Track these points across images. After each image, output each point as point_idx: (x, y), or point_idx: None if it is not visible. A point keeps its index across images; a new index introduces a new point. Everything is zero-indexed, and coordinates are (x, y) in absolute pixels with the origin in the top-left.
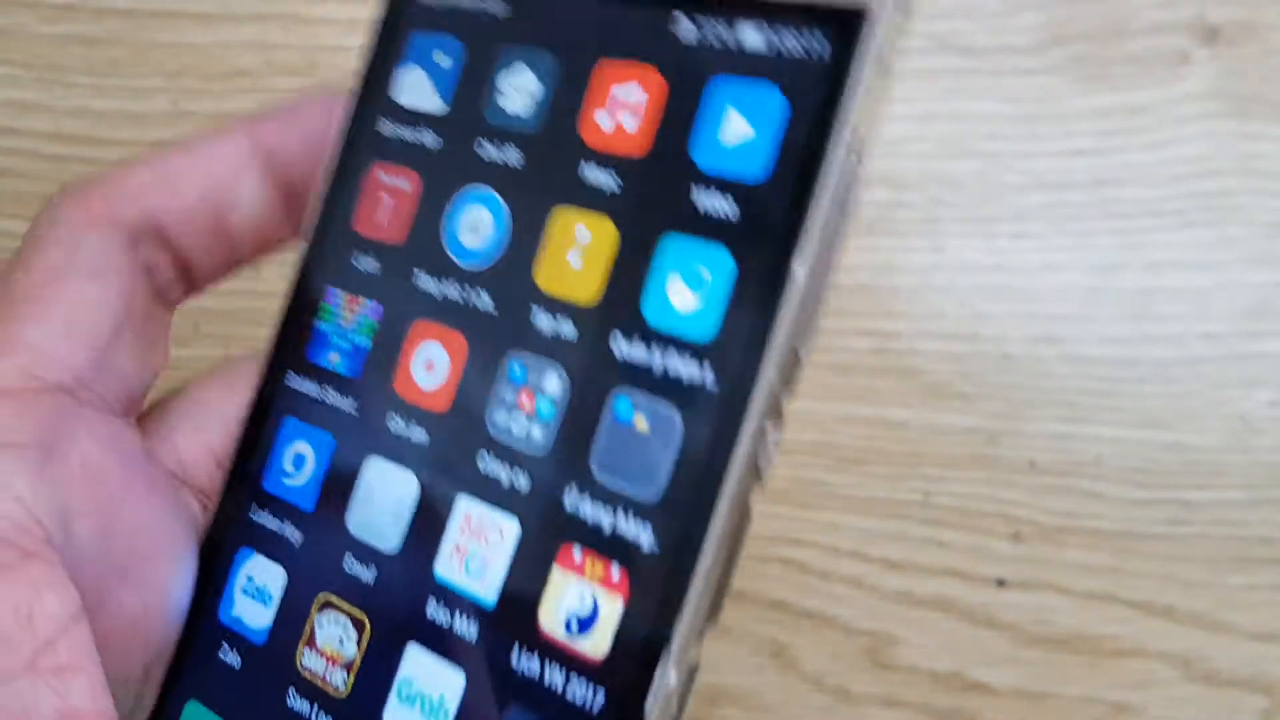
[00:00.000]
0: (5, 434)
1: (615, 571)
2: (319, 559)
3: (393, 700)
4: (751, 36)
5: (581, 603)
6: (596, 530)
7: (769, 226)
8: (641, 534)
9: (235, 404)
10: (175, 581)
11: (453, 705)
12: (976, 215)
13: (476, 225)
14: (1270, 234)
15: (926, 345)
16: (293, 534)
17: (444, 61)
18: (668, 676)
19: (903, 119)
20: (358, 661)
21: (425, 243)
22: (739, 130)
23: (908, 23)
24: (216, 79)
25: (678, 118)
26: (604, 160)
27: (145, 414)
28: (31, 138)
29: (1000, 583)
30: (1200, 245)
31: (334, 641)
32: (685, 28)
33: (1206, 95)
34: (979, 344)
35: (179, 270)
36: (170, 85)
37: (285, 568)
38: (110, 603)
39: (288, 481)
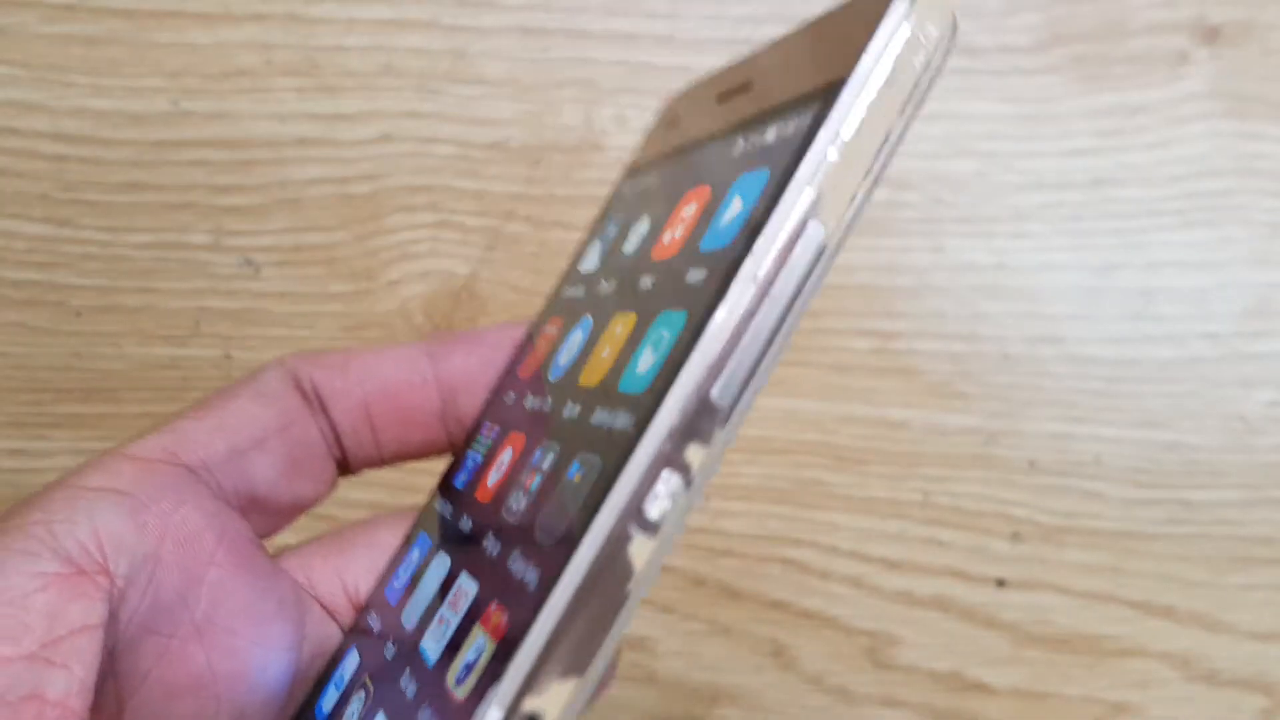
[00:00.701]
0: (117, 483)
1: (503, 617)
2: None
3: None
4: (773, 131)
5: (474, 651)
6: (507, 579)
7: (715, 284)
8: (526, 576)
9: (376, 543)
10: (254, 656)
11: None
12: (976, 215)
13: (571, 347)
14: (1270, 234)
15: (926, 345)
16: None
17: (610, 229)
18: (487, 715)
19: None
20: None
21: (536, 372)
22: (733, 209)
23: (902, 94)
24: (216, 79)
25: (705, 217)
26: (651, 268)
27: (316, 545)
28: (31, 138)
29: (1000, 583)
30: (1200, 245)
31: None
32: (737, 145)
33: (1206, 95)
34: (979, 344)
35: (334, 437)
36: (170, 85)
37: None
38: (179, 651)
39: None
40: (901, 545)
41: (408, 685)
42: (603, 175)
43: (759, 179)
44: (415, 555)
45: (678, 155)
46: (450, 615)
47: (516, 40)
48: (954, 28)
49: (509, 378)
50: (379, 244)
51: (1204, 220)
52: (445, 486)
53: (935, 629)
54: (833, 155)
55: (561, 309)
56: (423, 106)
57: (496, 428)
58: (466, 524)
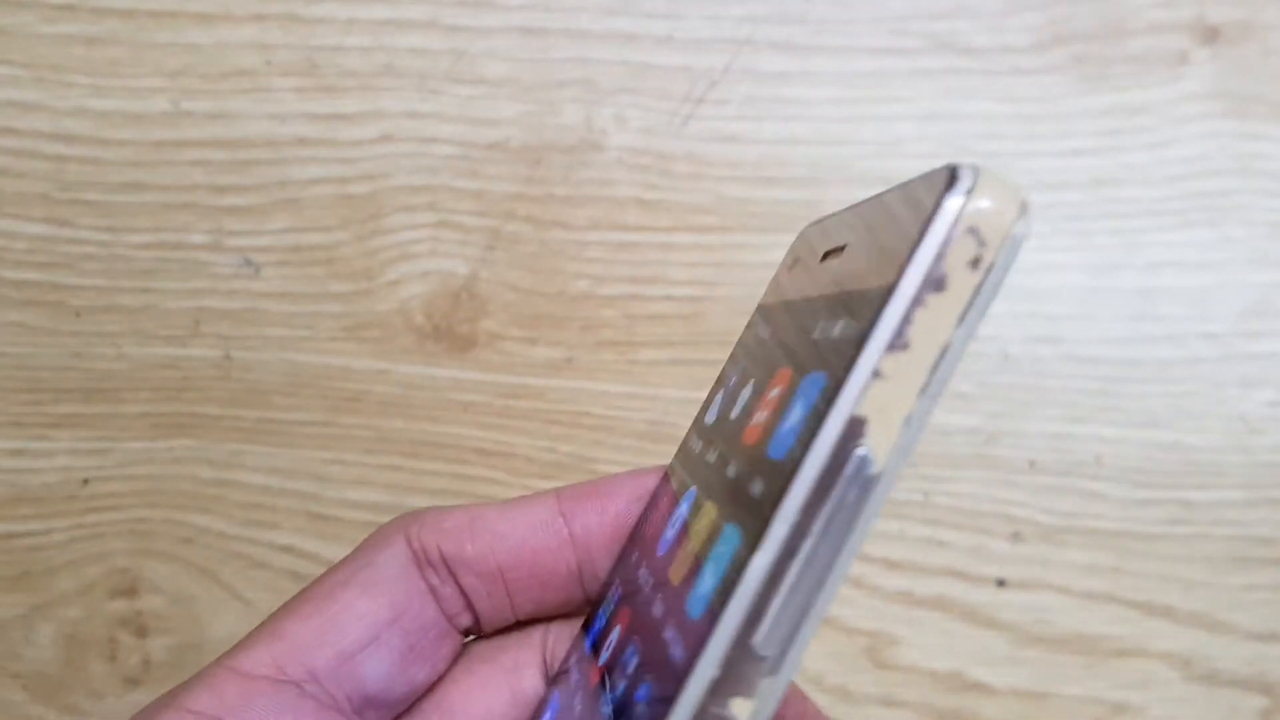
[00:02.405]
0: (221, 708)
1: None
2: None
3: None
4: (840, 326)
5: None
6: None
7: (761, 515)
8: None
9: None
10: None
11: None
12: None
13: (675, 524)
14: (1270, 234)
15: None
16: None
17: (732, 378)
18: None
19: (903, 119)
20: None
21: (651, 542)
22: (793, 418)
23: (960, 300)
24: (216, 79)
25: (779, 411)
26: (738, 452)
27: (406, 712)
28: (31, 138)
29: (1000, 583)
30: (1200, 245)
31: None
32: (819, 325)
33: (1206, 95)
34: (979, 344)
35: (465, 605)
36: (170, 85)
37: None
38: None
39: None
40: (901, 545)
41: None
42: (603, 175)
43: (817, 385)
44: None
45: (786, 310)
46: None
47: (516, 40)
48: (1024, 213)
49: (637, 536)
50: (379, 244)
51: (1204, 220)
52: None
53: (935, 629)
54: (880, 373)
55: (683, 464)
56: (423, 106)
57: (617, 594)
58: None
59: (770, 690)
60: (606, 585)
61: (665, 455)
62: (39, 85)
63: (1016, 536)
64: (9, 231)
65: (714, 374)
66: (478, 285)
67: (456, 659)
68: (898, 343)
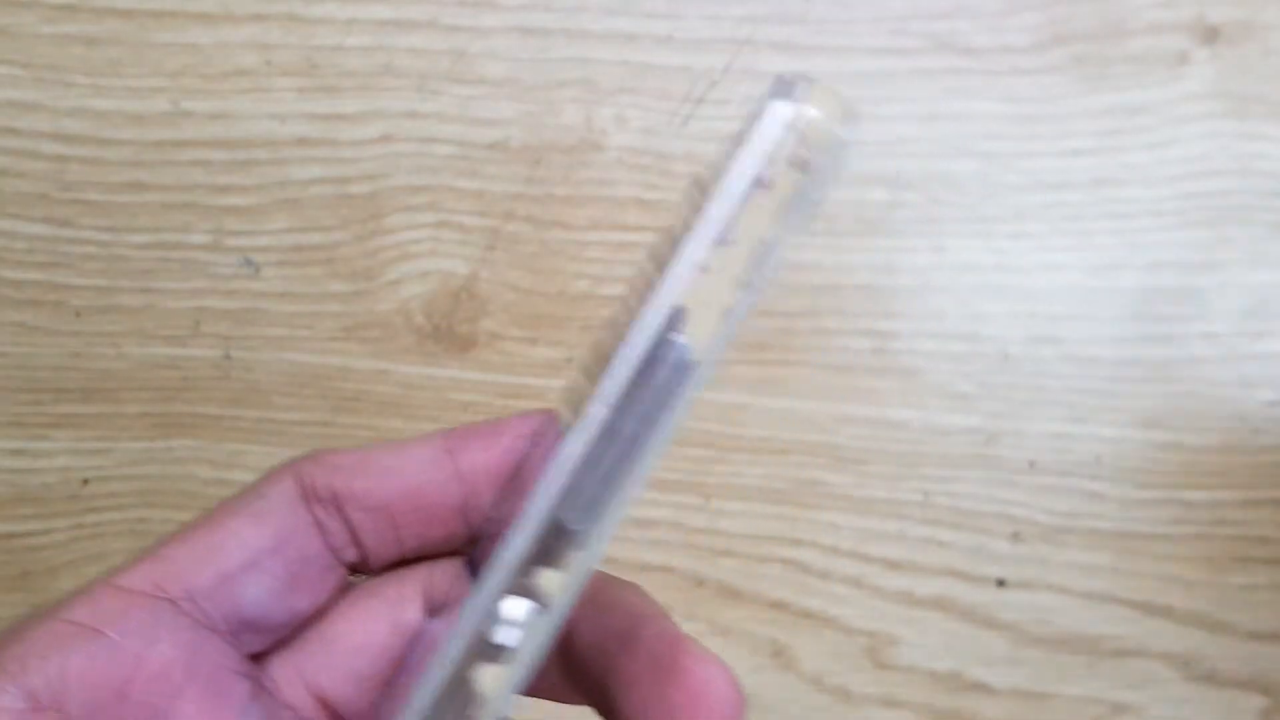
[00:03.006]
0: (96, 619)
1: None
2: None
3: None
4: (675, 231)
5: None
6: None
7: (580, 402)
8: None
9: (352, 643)
10: None
11: None
12: (976, 215)
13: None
14: (1270, 234)
15: (926, 345)
16: None
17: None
18: None
19: (903, 119)
20: None
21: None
22: (630, 309)
23: (780, 198)
24: (216, 79)
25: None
26: (588, 359)
27: (288, 639)
28: (31, 138)
29: (1000, 583)
30: (1200, 245)
31: None
32: (665, 243)
33: (1206, 95)
34: (979, 344)
35: (351, 539)
36: (170, 85)
37: None
38: None
39: None
40: (901, 545)
41: None
42: (603, 175)
43: (652, 280)
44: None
45: (664, 238)
46: None
47: (516, 40)
48: (848, 120)
49: (523, 473)
50: (379, 244)
51: (1204, 220)
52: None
53: (935, 629)
54: (699, 265)
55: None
56: (423, 106)
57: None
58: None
59: (579, 564)
60: (492, 521)
61: (666, 455)
62: (39, 85)
63: (1016, 536)
64: (9, 231)
65: (713, 374)
66: (478, 285)
67: (341, 592)
68: (721, 237)
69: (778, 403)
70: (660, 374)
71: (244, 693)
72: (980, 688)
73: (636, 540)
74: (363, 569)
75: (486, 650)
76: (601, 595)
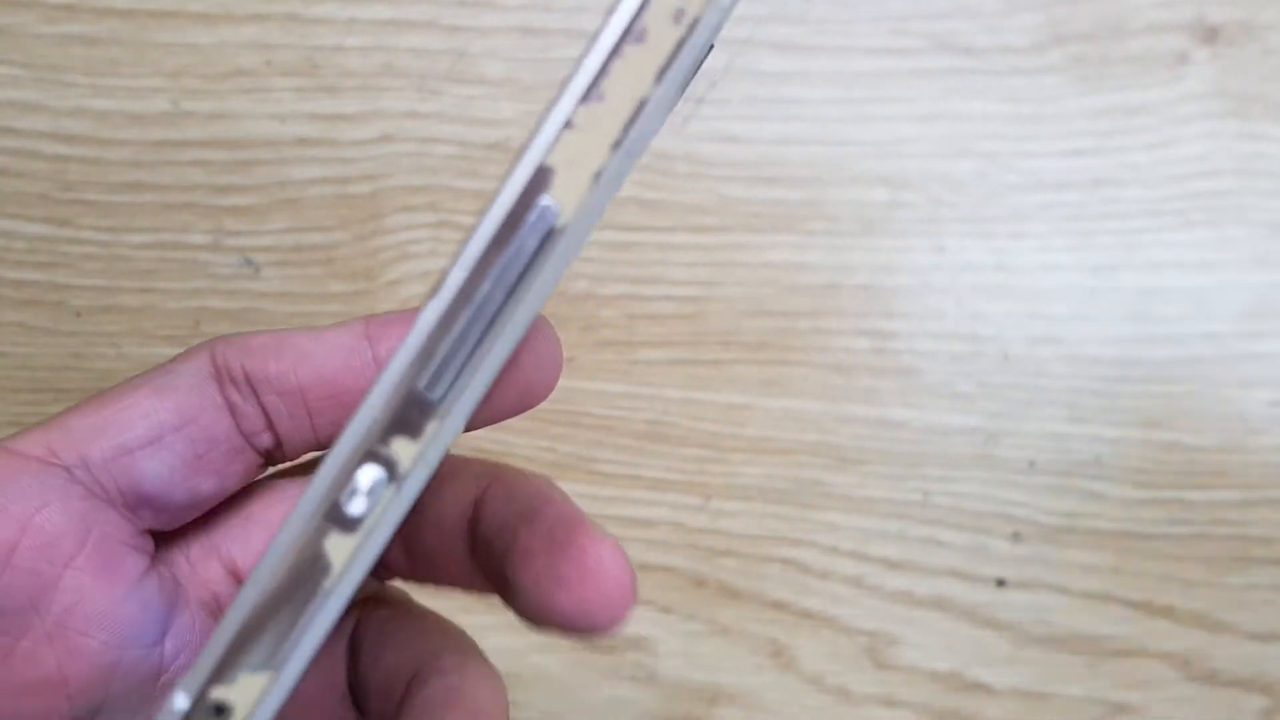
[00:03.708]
0: None
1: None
2: None
3: None
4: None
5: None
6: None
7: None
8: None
9: (252, 515)
10: (109, 657)
11: None
12: (976, 215)
13: None
14: (1270, 234)
15: (926, 345)
16: None
17: None
18: (175, 701)
19: (902, 119)
20: None
21: None
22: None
23: (658, 56)
24: (216, 79)
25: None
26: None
27: (201, 520)
28: (31, 138)
29: (1000, 583)
30: (1200, 245)
31: None
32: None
33: (1206, 95)
34: (979, 344)
35: (265, 424)
36: (170, 85)
37: None
38: (26, 652)
39: None
40: (901, 545)
41: None
42: None
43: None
44: None
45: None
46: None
47: (516, 40)
48: None
49: None
50: (379, 244)
51: (1204, 220)
52: None
53: (935, 629)
54: (566, 121)
55: None
56: (423, 106)
57: None
58: None
59: (437, 435)
60: None
61: (666, 455)
62: (39, 85)
63: (1016, 536)
64: (9, 231)
65: (714, 374)
66: None
67: (252, 477)
68: (592, 93)
69: (778, 403)
70: (524, 237)
71: (138, 566)
72: (980, 688)
73: (636, 540)
74: (278, 456)
75: (338, 519)
76: (511, 482)
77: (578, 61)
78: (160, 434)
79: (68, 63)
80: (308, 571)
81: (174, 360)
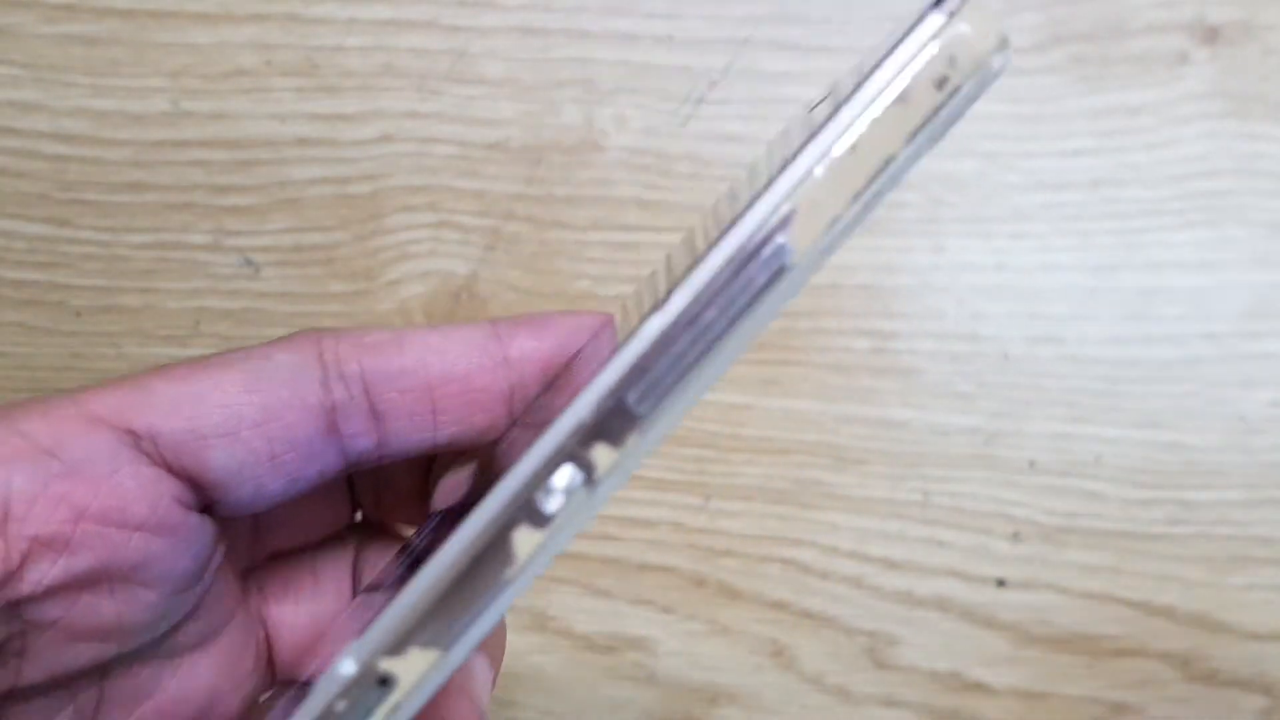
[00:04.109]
0: (52, 440)
1: (402, 579)
2: None
3: None
4: (799, 133)
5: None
6: (428, 544)
7: (671, 284)
8: (427, 545)
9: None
10: (162, 608)
11: None
12: (976, 215)
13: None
14: (1270, 234)
15: (926, 345)
16: None
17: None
18: (341, 666)
19: None
20: None
21: None
22: (734, 209)
23: (915, 117)
24: (216, 79)
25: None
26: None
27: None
28: (31, 138)
29: (1000, 583)
30: (1200, 245)
31: None
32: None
33: (1206, 95)
34: (979, 344)
35: (372, 423)
36: (170, 85)
37: None
38: (88, 604)
39: None
40: (901, 545)
41: None
42: (603, 175)
43: (764, 177)
44: None
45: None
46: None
47: (516, 40)
48: (1001, 48)
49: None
50: (379, 244)
51: (1204, 220)
52: None
53: (935, 629)
54: (818, 171)
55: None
56: (423, 106)
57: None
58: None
59: (636, 447)
60: (529, 418)
61: (666, 455)
62: (39, 85)
63: (1016, 536)
64: (9, 231)
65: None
66: (478, 285)
67: (326, 481)
68: (844, 144)
69: (778, 403)
70: (754, 271)
71: (205, 531)
72: (980, 688)
73: (636, 540)
74: (369, 459)
75: (531, 513)
76: None
77: (834, 109)
78: (238, 428)
79: (68, 63)
80: (492, 559)
81: (276, 345)
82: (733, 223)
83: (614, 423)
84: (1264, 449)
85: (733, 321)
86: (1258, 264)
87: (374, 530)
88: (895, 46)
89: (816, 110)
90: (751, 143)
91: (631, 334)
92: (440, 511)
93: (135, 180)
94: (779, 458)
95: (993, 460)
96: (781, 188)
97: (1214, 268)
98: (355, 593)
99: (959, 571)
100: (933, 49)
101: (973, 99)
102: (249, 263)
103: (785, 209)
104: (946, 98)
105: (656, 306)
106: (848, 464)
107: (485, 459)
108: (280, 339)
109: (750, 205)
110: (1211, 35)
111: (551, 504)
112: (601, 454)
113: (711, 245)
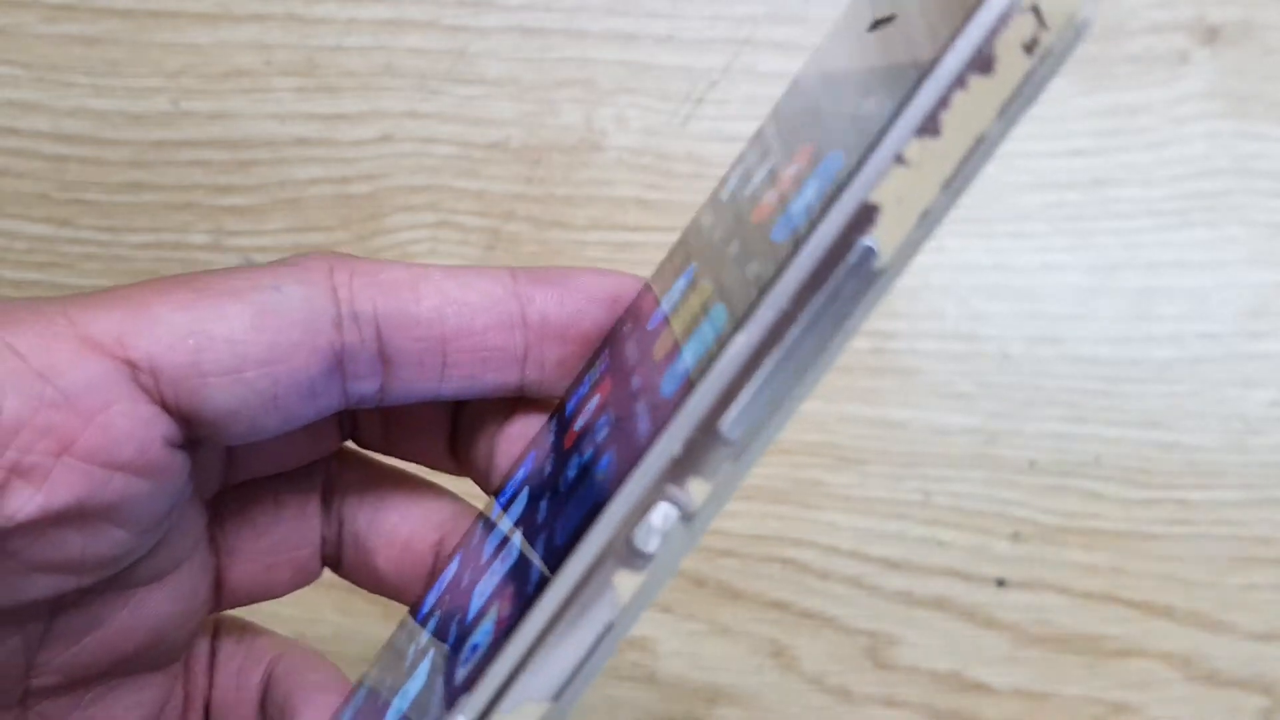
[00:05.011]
0: (47, 364)
1: (498, 629)
2: None
3: None
4: (872, 101)
5: (481, 635)
6: (512, 586)
7: (750, 296)
8: (522, 588)
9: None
10: (133, 545)
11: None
12: (976, 215)
13: (671, 299)
14: (1270, 234)
15: (926, 345)
16: None
17: (757, 146)
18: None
19: None
20: None
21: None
22: (804, 198)
23: (1005, 89)
24: (216, 79)
25: (791, 191)
26: (743, 231)
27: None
28: (31, 138)
29: (1000, 583)
30: (1200, 245)
31: None
32: (849, 100)
33: (1206, 95)
34: (979, 344)
35: (379, 365)
36: (170, 85)
37: None
38: (54, 537)
39: None
40: (901, 545)
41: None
42: (603, 175)
43: (835, 165)
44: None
45: (822, 81)
46: (477, 601)
47: (516, 40)
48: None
49: (619, 328)
50: (379, 244)
51: (1204, 220)
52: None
53: (935, 629)
54: (904, 158)
55: (680, 251)
56: (423, 106)
57: (605, 363)
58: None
59: (731, 476)
60: (575, 391)
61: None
62: (39, 85)
63: (1016, 536)
64: (9, 231)
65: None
66: None
67: (321, 418)
68: (929, 126)
69: None
70: (840, 280)
71: (184, 469)
72: (980, 688)
73: None
74: (369, 403)
75: (630, 554)
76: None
77: (911, 89)
78: (243, 367)
79: (68, 63)
80: (593, 604)
81: (287, 271)
82: (813, 225)
83: (706, 453)
84: (1264, 449)
85: (821, 337)
86: (1258, 264)
87: (348, 458)
88: (978, 6)
89: (877, 32)
90: None
91: (715, 355)
92: (517, 484)
93: (135, 180)
94: (779, 457)
95: (993, 460)
96: (863, 182)
97: (1214, 268)
98: (323, 519)
99: (959, 571)
100: (1019, 4)
101: (1063, 59)
102: (249, 263)
103: (868, 205)
104: (1038, 62)
105: (739, 325)
106: (848, 464)
107: (559, 414)
108: (290, 261)
109: (831, 204)
110: (1211, 35)
111: (651, 544)
112: (696, 488)
113: (792, 252)
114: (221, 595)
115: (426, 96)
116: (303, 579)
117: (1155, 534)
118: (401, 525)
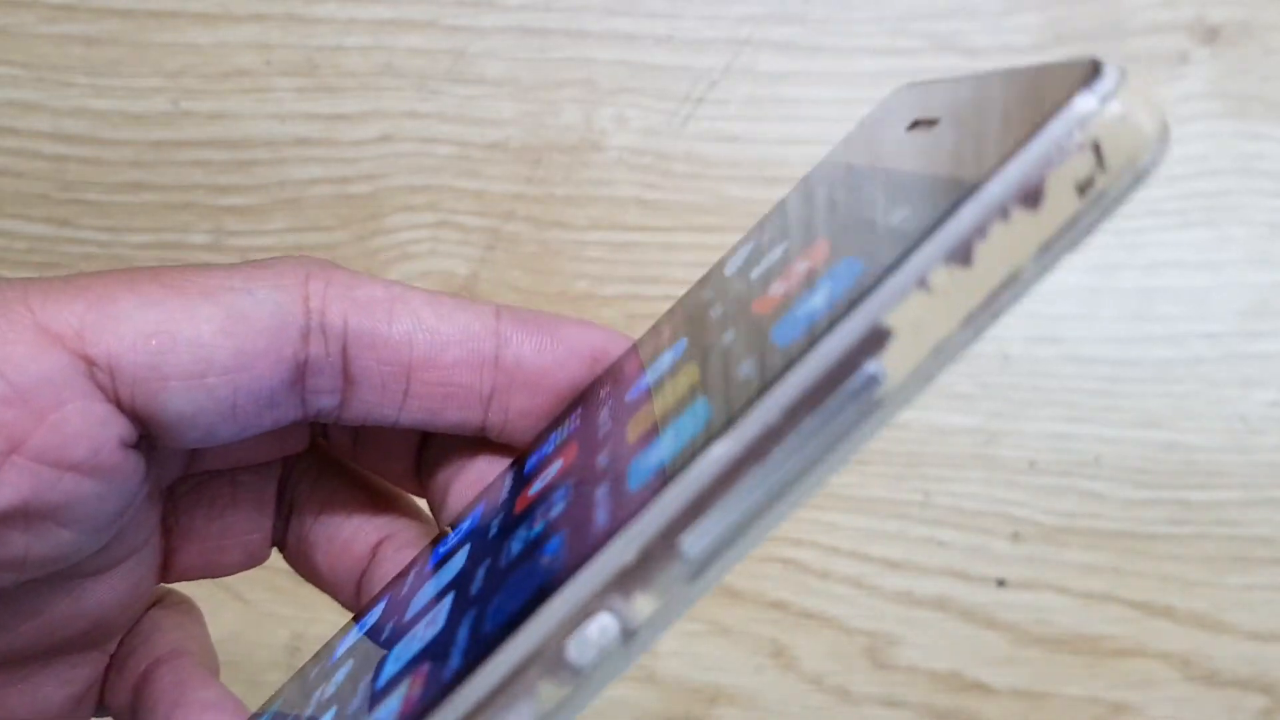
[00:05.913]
0: (3, 356)
1: (417, 694)
2: None
3: None
4: (901, 212)
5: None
6: (439, 660)
7: (739, 403)
8: (447, 673)
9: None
10: (80, 546)
11: None
12: None
13: (655, 372)
14: (1270, 234)
15: None
16: None
17: (769, 227)
18: None
19: None
20: None
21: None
22: (813, 304)
23: (1051, 225)
24: (216, 79)
25: (800, 289)
26: (743, 318)
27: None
28: (31, 138)
29: (1000, 583)
30: (1200, 245)
31: None
32: (874, 203)
33: (1206, 95)
34: (979, 344)
35: (340, 384)
36: (170, 85)
37: None
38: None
39: None
40: (901, 545)
41: None
42: (603, 175)
43: (851, 273)
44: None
45: (849, 174)
46: (399, 662)
47: (516, 40)
48: (1162, 140)
49: (596, 389)
50: (379, 244)
51: (1204, 220)
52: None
53: (935, 629)
54: (927, 284)
55: (673, 320)
56: (423, 106)
57: (574, 424)
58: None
59: (682, 597)
60: (541, 449)
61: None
62: (39, 85)
63: (1016, 536)
64: (9, 231)
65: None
66: (478, 285)
67: (279, 427)
68: (960, 254)
69: None
70: (837, 404)
71: (137, 472)
72: (980, 688)
73: None
74: (327, 418)
75: (558, 664)
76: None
77: (948, 210)
78: (206, 372)
79: (68, 63)
80: (509, 711)
81: (260, 273)
82: (815, 339)
83: (661, 568)
84: (1264, 449)
85: (809, 461)
86: (1258, 264)
87: (313, 453)
88: (1034, 134)
89: (914, 134)
90: (751, 143)
91: (689, 460)
92: (461, 536)
93: (135, 180)
94: None
95: (993, 460)
96: (878, 302)
97: (1214, 268)
98: (277, 506)
99: (959, 571)
100: (1079, 140)
101: (1117, 206)
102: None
103: (880, 328)
104: (1089, 205)
105: (721, 430)
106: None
107: (519, 468)
108: (267, 263)
109: (841, 319)
110: (1211, 35)
111: (584, 657)
112: (643, 603)
113: (790, 363)
114: (168, 572)
115: (426, 96)
116: (251, 561)
117: (1155, 534)
118: (345, 524)
